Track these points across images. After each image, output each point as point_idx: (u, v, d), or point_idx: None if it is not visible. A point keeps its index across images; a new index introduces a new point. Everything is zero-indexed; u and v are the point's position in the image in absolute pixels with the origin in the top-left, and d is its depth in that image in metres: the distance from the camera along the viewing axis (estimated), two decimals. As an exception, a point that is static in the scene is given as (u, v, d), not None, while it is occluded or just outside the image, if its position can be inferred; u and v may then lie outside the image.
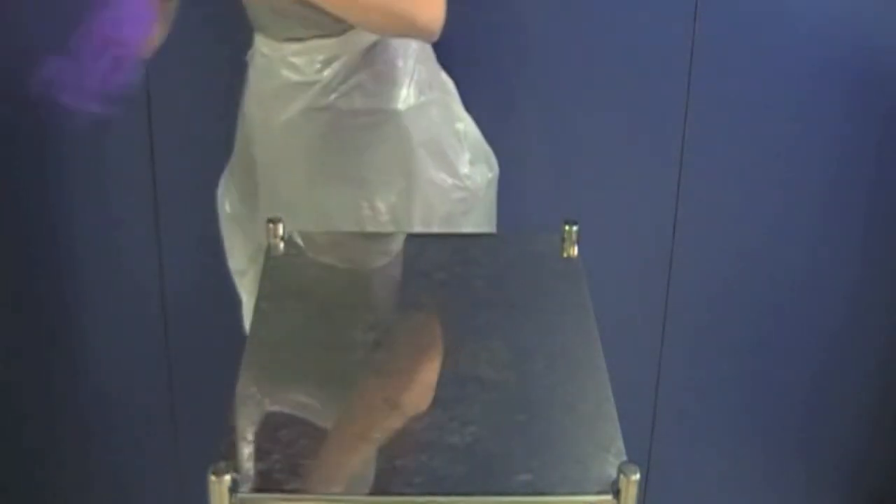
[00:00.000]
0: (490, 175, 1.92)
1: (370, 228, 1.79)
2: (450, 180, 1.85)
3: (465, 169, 1.87)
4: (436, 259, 1.69)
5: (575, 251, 1.64)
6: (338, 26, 1.70)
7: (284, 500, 1.19)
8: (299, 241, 1.66)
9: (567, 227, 1.65)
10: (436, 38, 1.63)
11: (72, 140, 2.18)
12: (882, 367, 2.41)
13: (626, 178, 2.24)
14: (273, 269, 1.60)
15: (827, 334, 2.38)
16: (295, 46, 1.76)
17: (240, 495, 1.17)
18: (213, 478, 1.17)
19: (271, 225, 1.64)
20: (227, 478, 1.17)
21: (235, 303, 2.01)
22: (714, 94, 2.17)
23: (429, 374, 1.41)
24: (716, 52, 2.14)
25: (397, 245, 1.72)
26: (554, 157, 2.21)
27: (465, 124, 1.91)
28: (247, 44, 2.09)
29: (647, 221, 2.27)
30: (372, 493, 1.19)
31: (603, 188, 2.23)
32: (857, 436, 2.47)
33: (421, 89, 1.82)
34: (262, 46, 1.82)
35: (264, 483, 1.19)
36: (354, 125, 1.79)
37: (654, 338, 2.35)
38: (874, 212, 2.29)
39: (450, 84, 1.91)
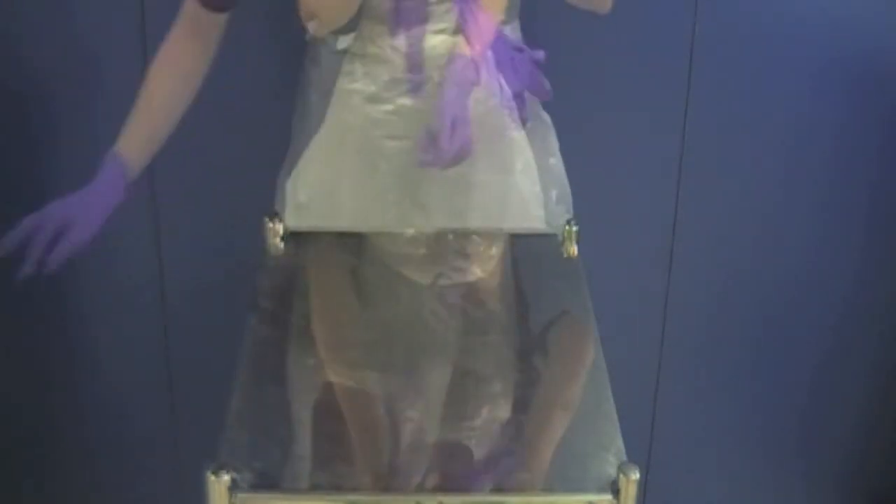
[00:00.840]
0: (567, 216, 1.92)
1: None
2: (539, 211, 1.85)
3: (551, 205, 1.87)
4: (437, 257, 1.69)
5: (575, 251, 1.65)
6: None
7: (283, 499, 1.19)
8: (298, 238, 1.66)
9: (567, 227, 1.65)
10: (609, 8, 1.78)
11: (69, 140, 2.18)
12: (882, 367, 2.41)
13: (626, 178, 2.24)
14: (272, 267, 1.60)
15: (827, 334, 2.38)
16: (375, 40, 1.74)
17: (239, 494, 1.17)
18: (212, 477, 1.17)
19: (270, 224, 1.63)
20: (227, 477, 1.17)
21: (234, 300, 2.00)
22: (714, 94, 2.17)
23: (428, 371, 1.41)
24: (716, 53, 2.14)
25: (397, 242, 1.72)
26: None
27: (557, 160, 1.91)
28: (245, 42, 2.09)
29: (646, 221, 2.27)
30: (371, 492, 1.19)
31: (603, 188, 2.23)
32: (857, 435, 2.47)
33: (527, 114, 1.83)
34: (370, 45, 1.78)
35: (263, 481, 1.19)
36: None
37: (653, 337, 2.35)
38: (875, 212, 2.29)
39: (548, 120, 1.91)
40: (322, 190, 1.87)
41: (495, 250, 1.71)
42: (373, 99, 1.76)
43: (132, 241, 2.26)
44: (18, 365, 2.36)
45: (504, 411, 1.33)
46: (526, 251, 1.71)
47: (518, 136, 1.89)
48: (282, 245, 1.64)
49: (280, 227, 1.64)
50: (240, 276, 2.01)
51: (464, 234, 1.72)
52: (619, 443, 1.25)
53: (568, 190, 1.95)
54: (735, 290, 2.34)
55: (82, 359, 2.36)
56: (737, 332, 2.37)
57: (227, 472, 1.17)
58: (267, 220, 1.65)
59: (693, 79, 2.16)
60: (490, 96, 1.83)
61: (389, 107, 1.76)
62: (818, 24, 2.13)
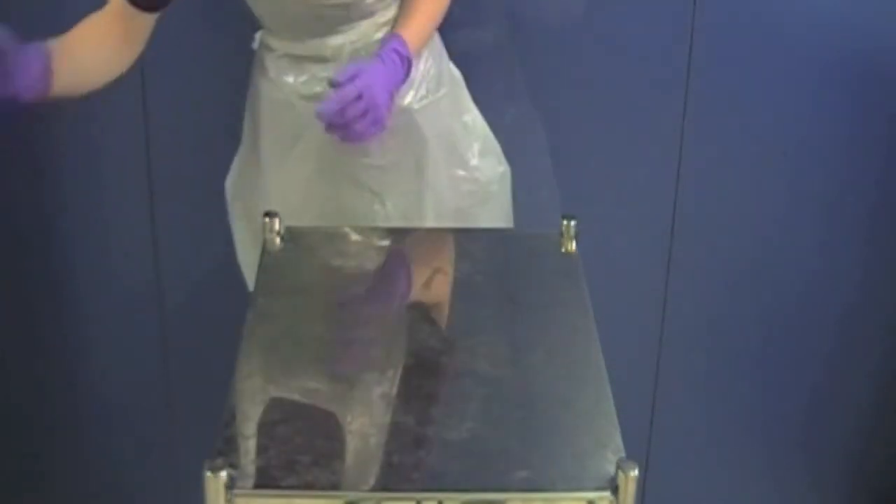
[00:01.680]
0: (501, 169, 1.93)
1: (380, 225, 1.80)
2: (460, 172, 1.86)
3: (474, 160, 1.88)
4: (434, 254, 1.69)
5: (573, 246, 1.64)
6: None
7: (281, 496, 1.18)
8: (296, 236, 1.66)
9: (565, 222, 1.64)
10: None
11: (67, 139, 2.18)
12: (884, 364, 2.41)
13: (625, 175, 2.23)
14: (269, 264, 1.60)
15: (828, 332, 2.38)
16: (311, 42, 1.76)
17: (236, 491, 1.17)
18: (209, 474, 1.17)
19: (267, 219, 1.63)
20: (224, 474, 1.17)
21: (232, 298, 2.00)
22: (713, 93, 2.17)
23: (426, 369, 1.41)
24: (716, 51, 2.13)
25: (395, 240, 1.72)
26: (553, 154, 2.21)
27: (473, 116, 1.92)
28: (244, 38, 2.09)
29: (645, 218, 2.26)
30: (369, 490, 1.19)
31: (602, 186, 2.22)
32: (858, 434, 2.47)
33: (431, 87, 1.83)
34: (272, 42, 1.81)
35: (261, 479, 1.19)
36: None
37: (652, 334, 2.35)
38: (878, 212, 2.28)
39: (458, 76, 1.91)
40: (252, 192, 1.88)
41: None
42: (313, 97, 1.77)
43: (129, 240, 2.26)
44: (16, 365, 2.35)
45: (502, 409, 1.33)
46: (524, 247, 1.71)
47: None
48: (278, 240, 1.63)
49: (276, 222, 1.63)
50: (237, 274, 2.02)
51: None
52: (618, 440, 1.25)
53: (495, 143, 1.94)
54: (734, 288, 2.33)
55: (80, 357, 2.36)
56: (736, 329, 2.37)
57: (225, 469, 1.17)
58: (263, 214, 1.64)
59: (692, 76, 2.15)
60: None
61: (295, 109, 1.78)
62: (821, 24, 2.13)
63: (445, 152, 1.85)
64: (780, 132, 2.22)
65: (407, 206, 1.82)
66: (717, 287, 2.33)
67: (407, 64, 1.69)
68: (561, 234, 1.65)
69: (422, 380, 1.39)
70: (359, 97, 1.58)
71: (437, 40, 1.85)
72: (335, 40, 1.75)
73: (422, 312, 1.55)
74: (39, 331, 2.34)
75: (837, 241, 2.31)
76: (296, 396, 1.35)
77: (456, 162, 1.86)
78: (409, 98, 1.80)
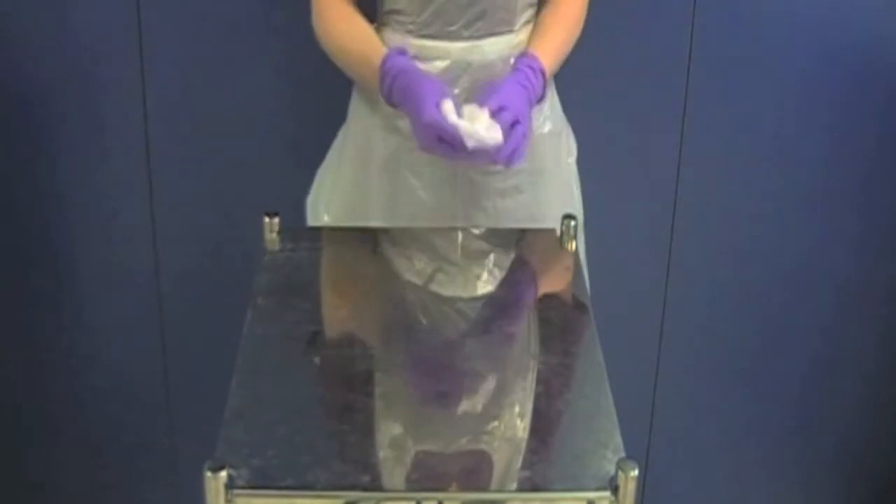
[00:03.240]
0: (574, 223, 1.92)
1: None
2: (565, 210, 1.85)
3: (578, 204, 1.88)
4: (435, 254, 1.68)
5: (574, 245, 1.64)
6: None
7: (280, 496, 1.18)
8: (296, 236, 1.66)
9: (565, 222, 1.64)
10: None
11: (67, 139, 2.18)
12: (880, 361, 2.41)
13: (625, 173, 2.23)
14: (270, 264, 1.60)
15: (824, 329, 2.38)
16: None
17: (236, 491, 1.17)
18: (209, 474, 1.17)
19: (267, 219, 1.63)
20: (224, 474, 1.17)
21: (232, 298, 2.00)
22: (712, 88, 2.17)
23: (426, 369, 1.41)
24: (714, 48, 2.13)
25: (395, 240, 1.72)
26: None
27: (573, 161, 1.91)
28: (247, 42, 2.09)
29: (646, 216, 2.26)
30: (370, 490, 1.19)
31: (602, 183, 2.22)
32: (856, 431, 2.47)
33: (558, 120, 1.84)
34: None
35: (260, 479, 1.19)
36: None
37: (652, 333, 2.34)
38: (872, 208, 2.28)
39: (566, 120, 1.92)
40: (348, 209, 1.85)
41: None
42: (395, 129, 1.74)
43: (130, 240, 2.26)
44: (15, 365, 2.35)
45: (502, 410, 1.33)
46: (524, 246, 1.71)
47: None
48: (278, 241, 1.63)
49: (276, 222, 1.63)
50: (236, 274, 2.01)
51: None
52: (618, 440, 1.25)
53: (579, 192, 1.94)
54: (733, 285, 2.33)
55: (79, 357, 2.35)
56: (735, 327, 2.36)
57: (225, 469, 1.17)
58: (264, 213, 1.64)
59: (692, 76, 2.15)
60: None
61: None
62: (816, 18, 2.13)
63: (557, 184, 1.85)
64: (780, 132, 2.21)
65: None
66: (717, 287, 2.33)
67: (542, 77, 1.67)
68: (561, 234, 1.65)
69: (421, 379, 1.39)
70: (515, 121, 1.56)
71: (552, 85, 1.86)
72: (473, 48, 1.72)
73: (422, 312, 1.55)
74: (39, 331, 2.33)
75: (838, 241, 2.31)
76: (295, 396, 1.35)
77: (564, 198, 1.85)
78: (548, 127, 1.81)
